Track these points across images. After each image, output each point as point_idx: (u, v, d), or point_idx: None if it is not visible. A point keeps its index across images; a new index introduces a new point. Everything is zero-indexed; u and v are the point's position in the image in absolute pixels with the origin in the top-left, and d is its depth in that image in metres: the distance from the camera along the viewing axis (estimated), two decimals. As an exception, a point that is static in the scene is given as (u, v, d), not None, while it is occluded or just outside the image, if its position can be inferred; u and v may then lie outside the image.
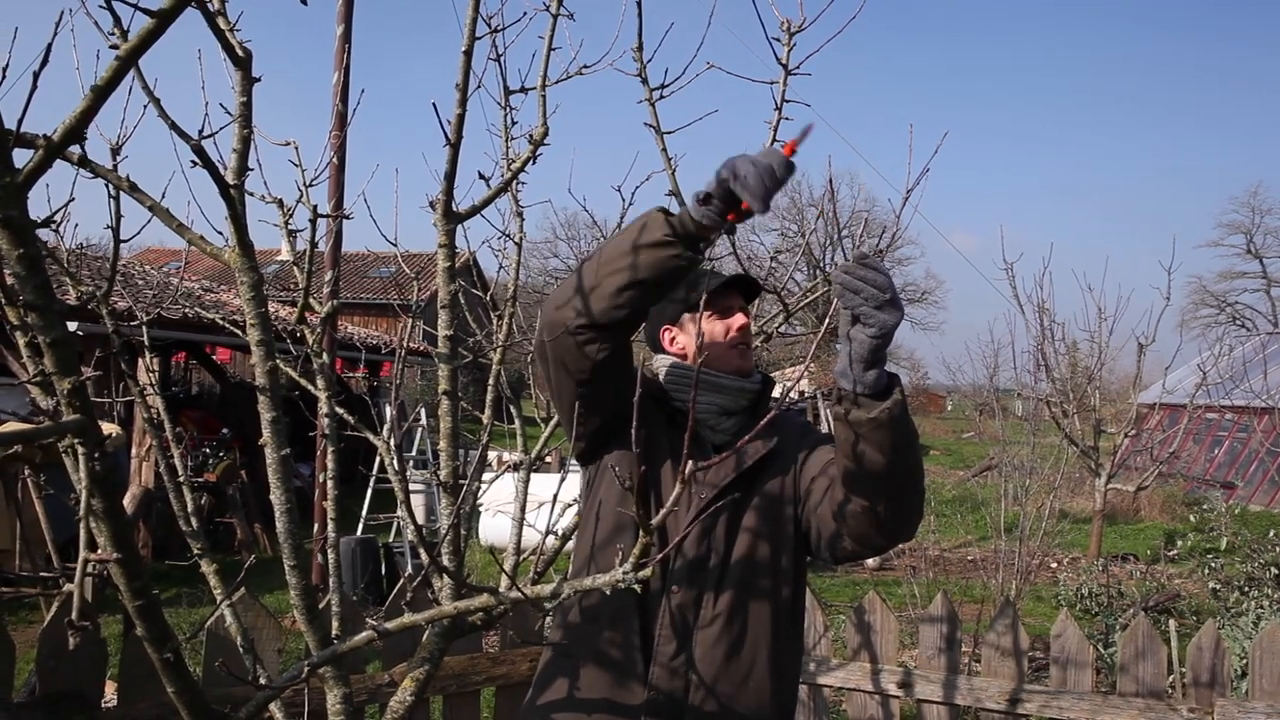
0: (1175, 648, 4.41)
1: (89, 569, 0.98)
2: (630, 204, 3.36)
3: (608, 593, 1.57)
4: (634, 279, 1.54)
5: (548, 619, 2.43)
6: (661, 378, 1.85)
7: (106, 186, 1.88)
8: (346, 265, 26.00)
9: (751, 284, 1.89)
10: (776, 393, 1.83)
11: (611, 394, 1.68)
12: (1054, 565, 9.36)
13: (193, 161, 1.59)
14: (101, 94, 0.95)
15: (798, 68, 2.42)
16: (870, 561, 9.67)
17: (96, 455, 0.92)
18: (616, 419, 1.72)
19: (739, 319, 1.83)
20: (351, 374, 14.60)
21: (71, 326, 8.01)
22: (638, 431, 1.32)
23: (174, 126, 1.63)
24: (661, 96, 2.38)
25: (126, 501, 5.99)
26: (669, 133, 2.39)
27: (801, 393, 25.74)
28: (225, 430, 9.85)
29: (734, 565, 1.73)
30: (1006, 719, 2.95)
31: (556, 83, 2.53)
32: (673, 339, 1.89)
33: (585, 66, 2.63)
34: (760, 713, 1.71)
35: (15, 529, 6.50)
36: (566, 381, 1.68)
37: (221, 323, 3.78)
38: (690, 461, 1.12)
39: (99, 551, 1.05)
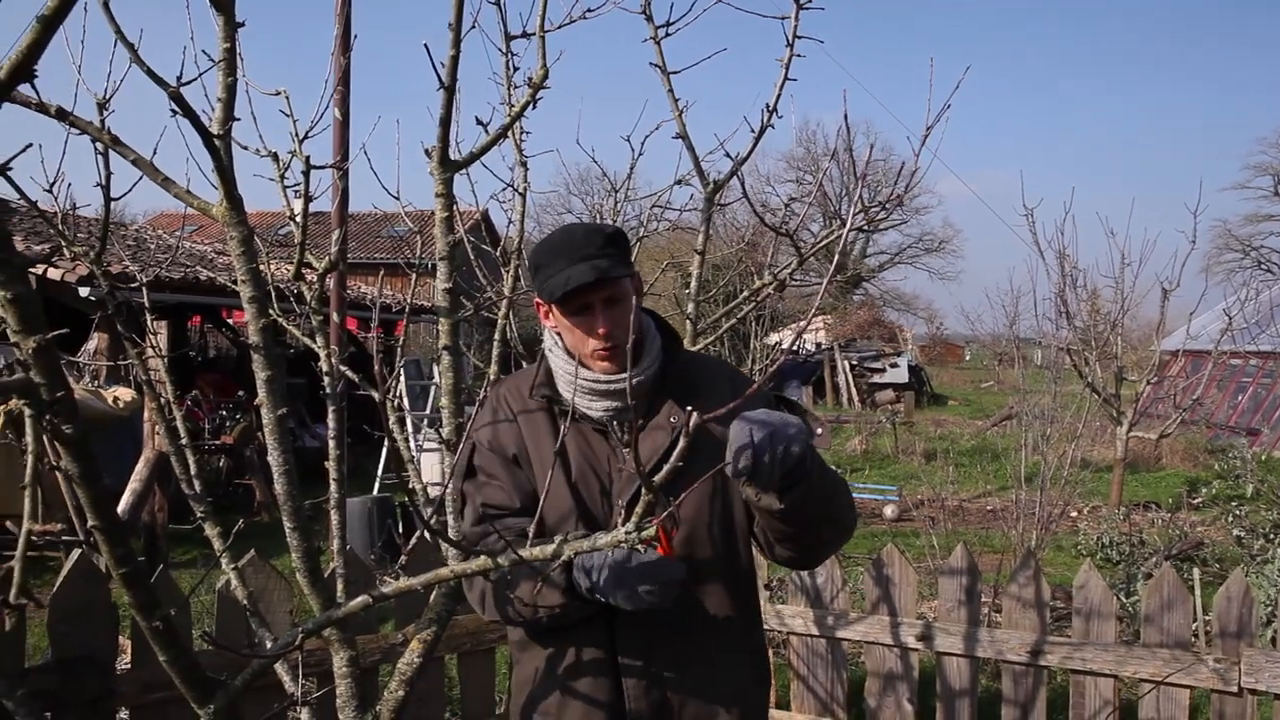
0: (1199, 596, 4.35)
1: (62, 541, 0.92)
2: (640, 154, 3.27)
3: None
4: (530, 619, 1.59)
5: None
6: (551, 368, 1.71)
7: (93, 143, 1.82)
8: (357, 225, 25.92)
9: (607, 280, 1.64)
10: (787, 344, 1.72)
11: None
12: (1074, 514, 9.30)
13: (172, 111, 1.52)
14: (49, 24, 0.88)
15: (810, 1, 2.30)
16: (888, 512, 9.66)
17: (57, 417, 0.86)
18: None
19: (598, 321, 1.61)
20: (366, 334, 14.61)
21: (83, 291, 8.01)
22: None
23: (150, 73, 1.55)
24: (667, 34, 2.28)
25: (141, 465, 6.01)
26: (675, 73, 2.29)
27: (818, 344, 25.64)
28: (241, 392, 9.89)
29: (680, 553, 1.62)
30: (1028, 671, 2.91)
31: (559, 27, 2.43)
32: (546, 313, 1.70)
33: (589, 10, 2.52)
34: (740, 693, 1.67)
35: (37, 495, 6.55)
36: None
37: (229, 285, 3.73)
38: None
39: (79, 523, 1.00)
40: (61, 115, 1.63)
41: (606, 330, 1.60)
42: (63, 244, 1.92)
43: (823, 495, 1.53)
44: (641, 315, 1.72)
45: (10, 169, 0.95)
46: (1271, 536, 6.46)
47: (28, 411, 0.88)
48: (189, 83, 1.58)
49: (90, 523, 1.03)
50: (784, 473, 1.40)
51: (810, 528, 1.57)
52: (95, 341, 7.99)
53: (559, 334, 1.69)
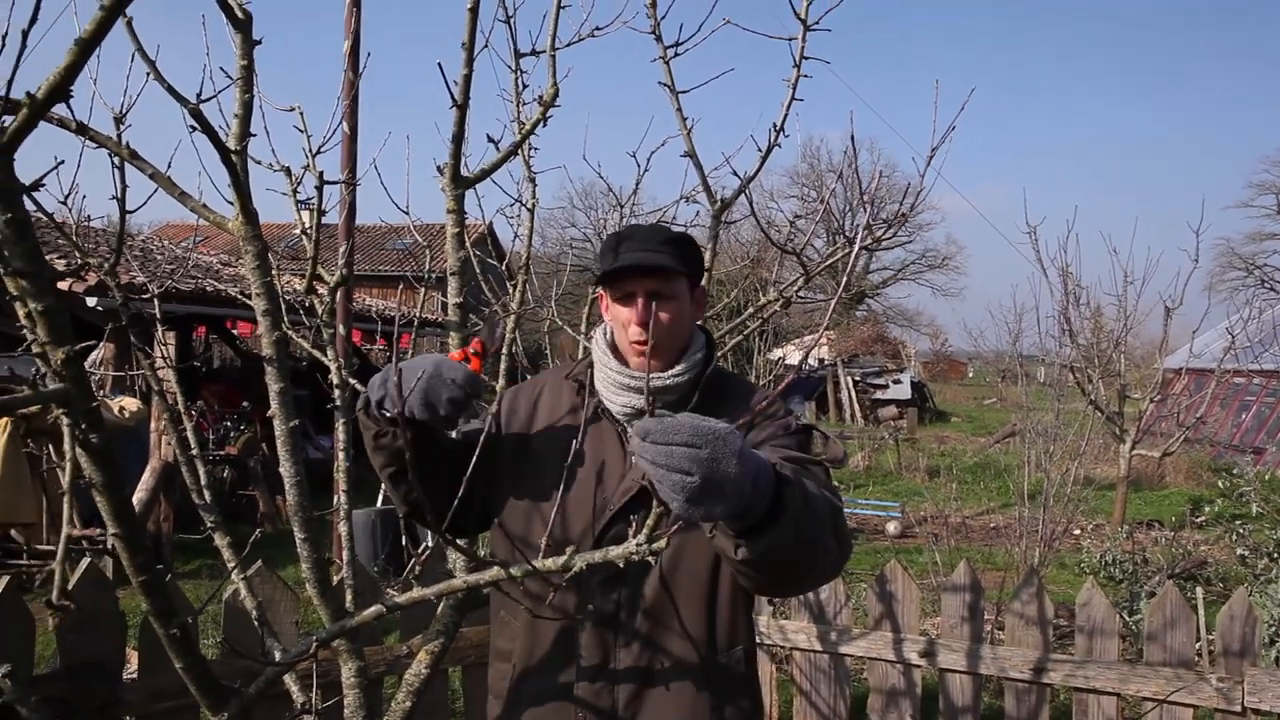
0: (1202, 615, 4.35)
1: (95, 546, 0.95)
2: (646, 170, 3.30)
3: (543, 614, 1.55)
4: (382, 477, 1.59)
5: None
6: (593, 359, 1.71)
7: (110, 157, 1.85)
8: (363, 237, 26.01)
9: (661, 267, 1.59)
10: (794, 360, 1.71)
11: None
12: (1077, 532, 9.29)
13: (191, 127, 1.55)
14: (86, 48, 0.90)
15: (817, 23, 2.34)
16: (891, 528, 9.64)
17: (86, 426, 0.89)
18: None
19: (637, 311, 1.59)
20: (370, 346, 14.65)
21: (91, 302, 8.05)
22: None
23: (171, 90, 1.58)
24: (676, 54, 2.31)
25: (147, 475, 6.03)
26: (684, 92, 2.33)
27: (821, 360, 25.63)
28: (245, 403, 9.91)
29: (656, 572, 1.59)
30: (1031, 688, 2.91)
31: (569, 45, 2.47)
32: (606, 305, 1.69)
33: (598, 28, 2.56)
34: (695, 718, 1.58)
35: (41, 503, 6.57)
36: None
37: (238, 296, 3.77)
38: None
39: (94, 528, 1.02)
40: (81, 130, 1.67)
41: (642, 320, 1.57)
42: (80, 256, 1.95)
43: (793, 544, 1.25)
44: (693, 326, 1.71)
45: (43, 186, 0.97)
46: (1275, 556, 6.45)
47: (65, 420, 0.90)
48: (208, 100, 1.61)
49: (112, 530, 1.05)
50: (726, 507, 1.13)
51: (774, 574, 1.33)
52: (102, 351, 8.03)
53: (613, 327, 1.70)
